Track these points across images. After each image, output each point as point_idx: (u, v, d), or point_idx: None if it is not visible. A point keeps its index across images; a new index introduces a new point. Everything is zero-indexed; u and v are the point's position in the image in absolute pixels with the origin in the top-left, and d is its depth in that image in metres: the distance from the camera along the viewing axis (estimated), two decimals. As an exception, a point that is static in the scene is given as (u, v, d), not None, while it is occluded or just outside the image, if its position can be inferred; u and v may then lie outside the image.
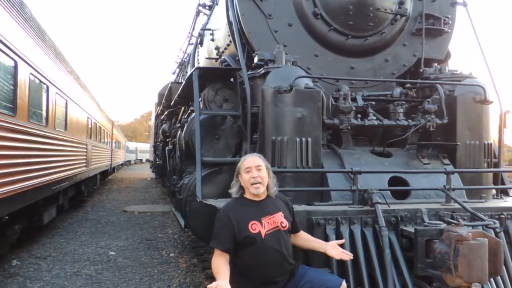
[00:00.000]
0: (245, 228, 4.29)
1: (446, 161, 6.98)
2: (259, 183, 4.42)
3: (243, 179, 4.47)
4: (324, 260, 5.18)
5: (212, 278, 7.79)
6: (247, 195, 4.54)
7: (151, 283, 8.35)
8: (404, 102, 7.44)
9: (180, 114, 11.62)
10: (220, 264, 4.27)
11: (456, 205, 5.67)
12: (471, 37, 8.45)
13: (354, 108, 6.81)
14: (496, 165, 7.47)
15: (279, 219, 4.47)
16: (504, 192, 7.52)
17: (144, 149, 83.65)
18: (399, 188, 6.22)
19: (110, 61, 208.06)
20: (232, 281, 4.19)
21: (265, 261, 4.29)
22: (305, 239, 4.92)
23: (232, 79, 7.30)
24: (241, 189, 4.57)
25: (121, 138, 50.50)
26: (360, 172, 5.78)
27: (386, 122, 7.02)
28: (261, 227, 4.32)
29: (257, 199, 4.50)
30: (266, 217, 4.39)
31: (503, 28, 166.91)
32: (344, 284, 4.56)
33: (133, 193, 25.75)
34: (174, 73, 23.43)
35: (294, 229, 4.78)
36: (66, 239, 12.22)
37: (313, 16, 7.73)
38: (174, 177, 10.39)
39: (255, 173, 4.41)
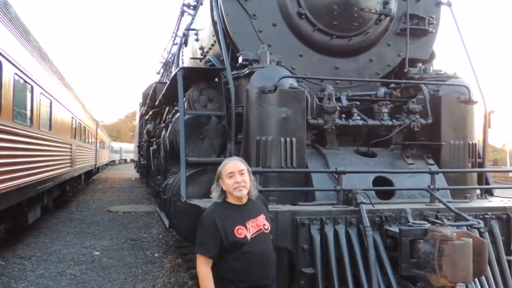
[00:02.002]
0: (232, 233, 4.24)
1: (431, 161, 7.00)
2: (243, 186, 4.38)
3: (226, 184, 4.39)
4: (309, 260, 5.20)
5: (196, 278, 7.81)
6: (229, 200, 4.47)
7: (136, 283, 8.34)
8: (388, 102, 7.45)
9: (165, 114, 11.61)
10: (208, 275, 4.21)
11: (441, 205, 5.68)
12: (455, 37, 8.47)
13: (338, 108, 6.82)
14: (481, 165, 7.49)
15: (262, 222, 4.43)
16: (488, 192, 7.55)
17: (129, 149, 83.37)
18: (383, 188, 6.23)
19: (95, 61, 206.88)
20: (218, 286, 4.20)
21: (251, 264, 4.25)
22: None
23: (216, 79, 7.28)
24: (223, 193, 4.52)
25: (106, 138, 50.29)
26: (344, 172, 5.77)
27: (370, 122, 7.03)
28: (246, 231, 4.28)
29: (239, 203, 4.44)
30: (250, 221, 4.35)
31: (487, 28, 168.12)
32: None
33: (117, 193, 25.69)
34: (158, 73, 23.34)
35: None
36: (51, 239, 12.19)
37: (297, 16, 7.72)
38: (159, 177, 10.38)
39: (238, 178, 4.35)
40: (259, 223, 4.38)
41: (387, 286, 4.99)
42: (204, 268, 4.23)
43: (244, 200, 4.44)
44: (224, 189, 4.42)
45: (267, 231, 4.43)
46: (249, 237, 4.25)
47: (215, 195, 4.48)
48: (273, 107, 6.16)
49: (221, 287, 4.24)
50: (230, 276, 4.28)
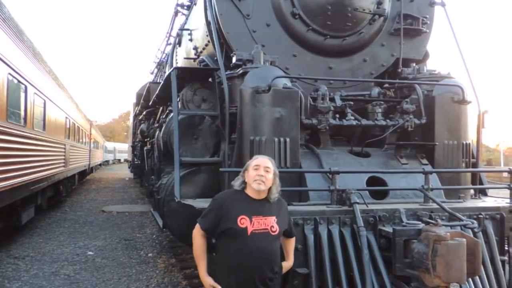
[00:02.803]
0: (233, 219, 4.29)
1: (424, 161, 7.00)
2: (263, 181, 4.40)
3: (249, 175, 4.47)
4: (303, 260, 5.19)
5: (190, 279, 7.83)
6: (247, 191, 4.52)
7: (129, 283, 8.33)
8: (382, 102, 7.45)
9: (158, 114, 11.61)
10: (202, 246, 4.49)
11: (434, 205, 5.69)
12: (449, 37, 8.48)
13: (332, 108, 6.82)
14: (474, 165, 7.49)
15: (270, 223, 4.43)
16: (482, 192, 7.56)
17: (123, 149, 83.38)
18: (377, 188, 6.23)
19: (88, 61, 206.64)
20: (216, 279, 4.35)
21: (248, 258, 4.25)
22: (286, 246, 4.91)
23: (210, 79, 7.28)
24: (244, 184, 4.57)
25: (99, 138, 50.20)
26: (338, 172, 5.76)
27: (364, 122, 7.03)
28: (249, 223, 4.30)
29: (255, 197, 4.48)
30: (258, 217, 4.37)
31: (481, 28, 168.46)
32: None
33: (111, 193, 25.65)
34: (152, 73, 23.32)
35: (287, 234, 4.78)
36: (45, 239, 12.16)
37: (291, 16, 7.71)
38: (153, 177, 10.38)
39: (262, 172, 4.41)
40: (267, 223, 4.39)
41: (381, 286, 4.99)
42: (197, 235, 4.52)
43: (261, 197, 4.47)
44: (246, 180, 4.48)
45: (273, 233, 4.42)
46: (249, 230, 4.28)
47: (236, 183, 4.60)
48: (267, 107, 6.15)
49: (214, 278, 4.38)
50: (227, 269, 4.31)
